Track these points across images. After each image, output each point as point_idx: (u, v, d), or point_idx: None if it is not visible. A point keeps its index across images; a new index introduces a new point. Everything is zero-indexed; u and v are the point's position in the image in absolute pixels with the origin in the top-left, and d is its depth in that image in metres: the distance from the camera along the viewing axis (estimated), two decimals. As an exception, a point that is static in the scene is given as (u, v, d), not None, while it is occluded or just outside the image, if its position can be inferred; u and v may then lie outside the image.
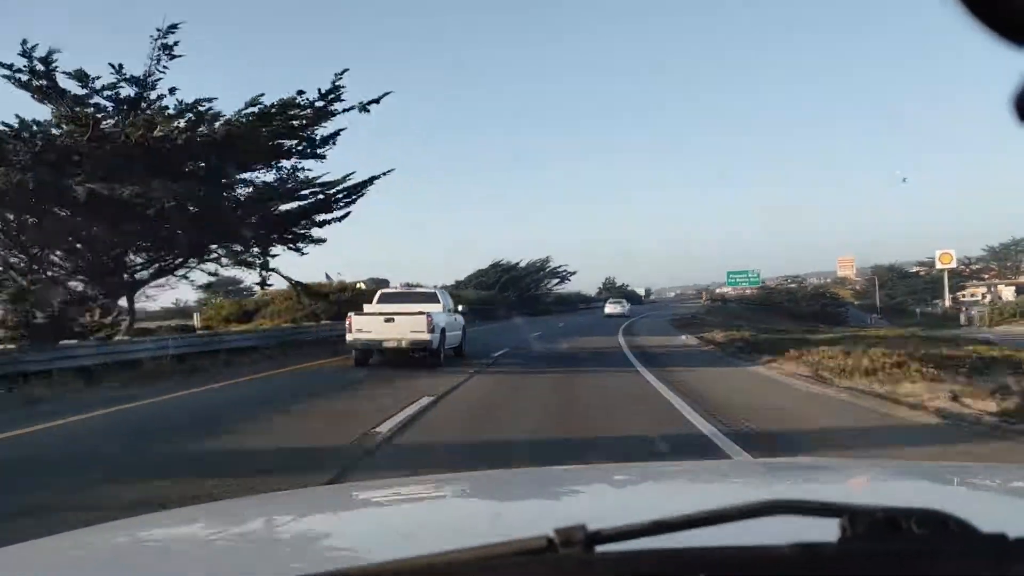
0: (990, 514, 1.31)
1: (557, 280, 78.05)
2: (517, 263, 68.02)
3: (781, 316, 51.98)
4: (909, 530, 0.72)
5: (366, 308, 17.64)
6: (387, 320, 16.31)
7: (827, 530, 0.74)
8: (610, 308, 62.01)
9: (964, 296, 74.97)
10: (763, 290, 76.54)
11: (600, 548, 0.72)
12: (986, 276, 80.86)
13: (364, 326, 16.39)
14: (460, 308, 20.15)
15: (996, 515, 1.35)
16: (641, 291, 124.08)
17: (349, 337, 16.43)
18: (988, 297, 73.11)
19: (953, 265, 63.97)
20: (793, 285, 79.92)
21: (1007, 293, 72.24)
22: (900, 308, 68.76)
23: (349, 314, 16.94)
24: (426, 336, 16.06)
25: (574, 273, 77.26)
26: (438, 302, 18.01)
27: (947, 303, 64.57)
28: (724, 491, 1.78)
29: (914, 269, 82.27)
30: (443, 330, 16.89)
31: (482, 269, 64.11)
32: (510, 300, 54.68)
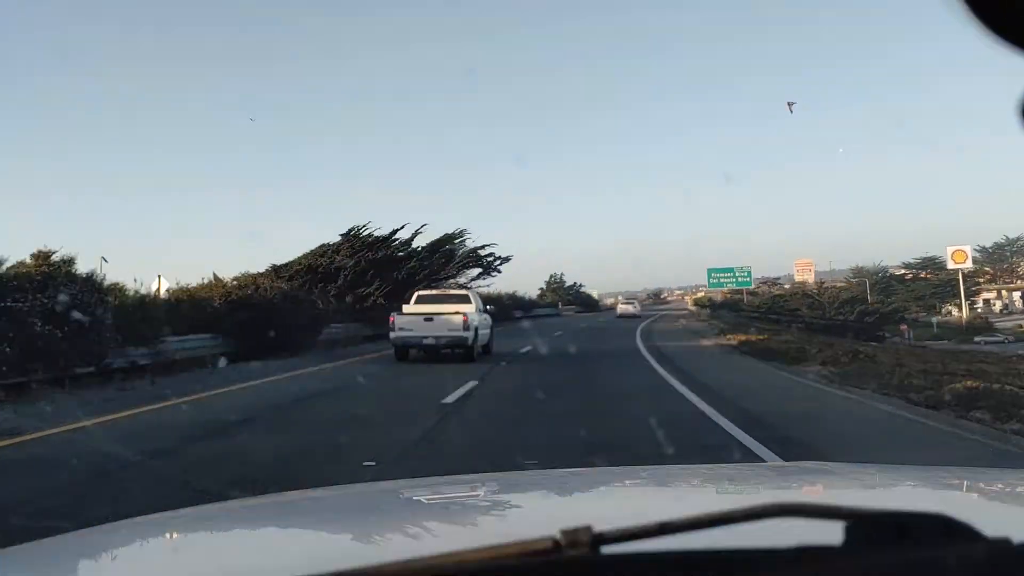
0: (995, 518, 1.30)
1: (479, 271, 39.95)
2: (393, 234, 33.28)
3: (820, 331, 37.24)
4: (913, 534, 0.72)
5: (405, 308, 19.00)
6: (427, 319, 17.80)
7: (832, 533, 0.74)
8: (623, 308, 63.33)
9: (978, 301, 64.73)
10: (759, 293, 61.87)
11: (606, 549, 0.73)
12: (981, 279, 70.29)
13: (406, 325, 17.93)
14: (489, 308, 21.70)
15: (1001, 519, 1.35)
16: (594, 294, 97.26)
17: (392, 335, 18.05)
18: (997, 303, 65.72)
19: (969, 265, 50.32)
20: (813, 288, 58.48)
21: (1014, 298, 65.40)
22: (899, 317, 53.00)
23: (392, 314, 18.59)
24: (463, 334, 17.53)
25: (507, 260, 41.07)
26: (470, 303, 19.19)
27: (964, 311, 52.90)
28: (730, 494, 1.79)
29: (900, 271, 70.48)
30: (476, 328, 18.13)
31: (326, 245, 31.76)
32: (375, 299, 29.33)
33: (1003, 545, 0.72)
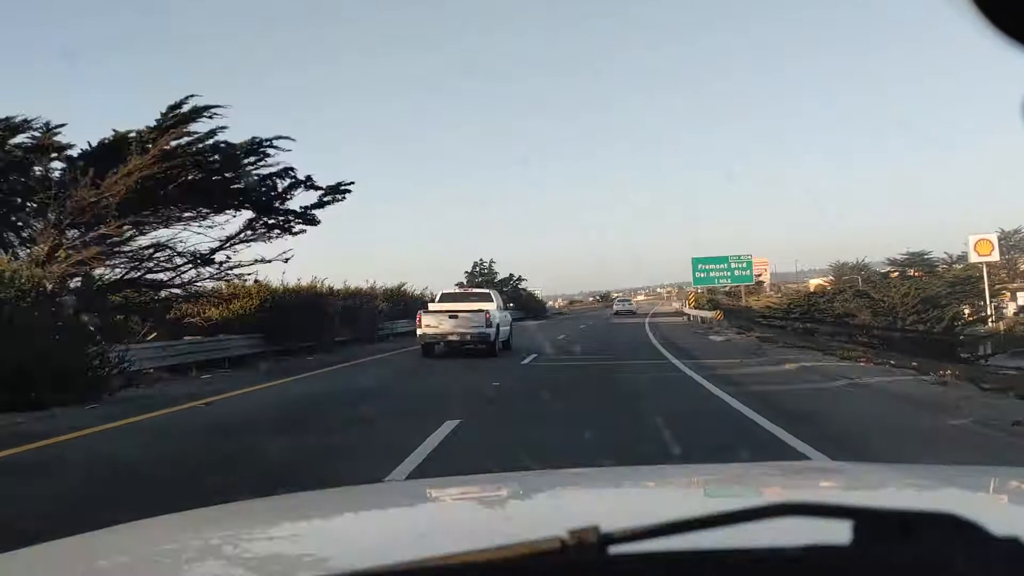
0: (1004, 517, 1.29)
1: (253, 215, 16.56)
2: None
3: (895, 346, 22.93)
4: (921, 533, 0.72)
5: (431, 307, 20.11)
6: (451, 317, 18.67)
7: (840, 532, 0.74)
8: (619, 307, 62.42)
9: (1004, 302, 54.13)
10: (732, 294, 50.02)
11: (613, 549, 0.73)
12: (976, 276, 65.83)
13: (432, 322, 18.77)
14: (510, 304, 23.15)
15: (1010, 518, 1.33)
16: (537, 293, 68.78)
17: (419, 331, 18.88)
18: (1010, 305, 60.90)
19: (995, 258, 35.74)
20: (867, 284, 39.22)
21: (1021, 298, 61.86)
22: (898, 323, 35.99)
23: (419, 312, 19.56)
24: (485, 330, 18.48)
25: (340, 194, 17.23)
26: (492, 301, 20.10)
27: (991, 315, 38.91)
28: (737, 494, 1.79)
29: (885, 269, 57.74)
30: (498, 326, 19.11)
31: None
32: None
33: (1012, 544, 0.71)
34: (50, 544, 1.36)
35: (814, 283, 59.28)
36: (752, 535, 0.76)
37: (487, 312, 18.72)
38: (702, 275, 44.82)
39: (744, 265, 44.32)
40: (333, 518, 1.64)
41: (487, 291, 21.68)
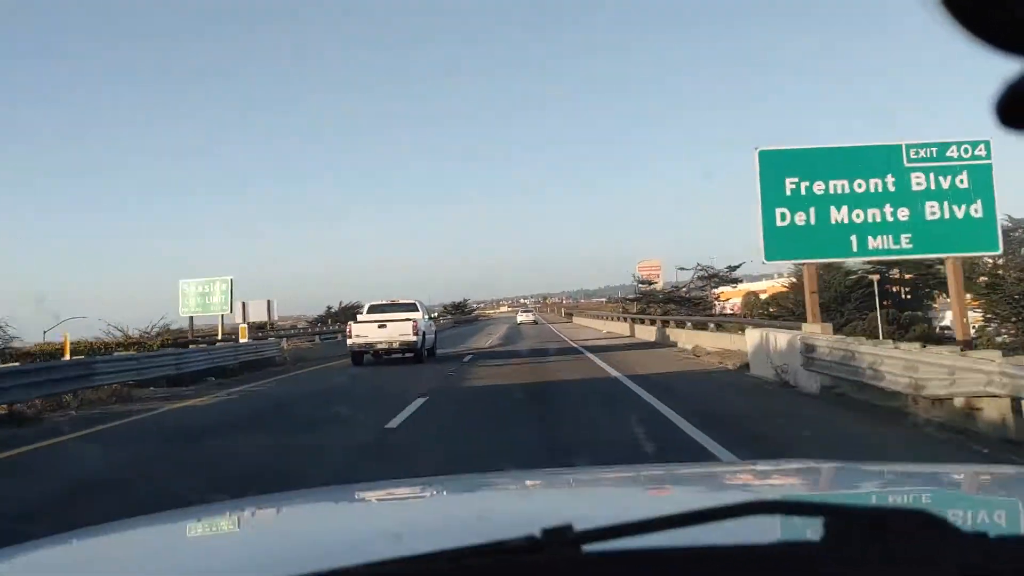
0: (972, 514, 1.32)
1: None
2: None
3: None
4: (893, 530, 0.73)
5: (360, 317, 21.31)
6: (380, 326, 20.00)
7: (813, 530, 0.74)
8: (523, 317, 64.37)
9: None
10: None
11: (587, 547, 0.72)
12: (985, 276, 44.12)
13: (361, 332, 20.14)
14: (435, 315, 24.83)
15: (978, 515, 1.34)
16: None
17: (349, 341, 20.24)
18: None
19: None
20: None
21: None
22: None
23: (349, 322, 21.38)
24: (412, 338, 19.80)
25: None
26: (418, 310, 21.40)
27: None
28: (711, 492, 1.79)
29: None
30: (424, 334, 20.51)
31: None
32: None
33: (980, 540, 0.72)
34: (44, 540, 1.35)
35: (725, 291, 39.67)
36: (727, 533, 0.76)
37: (414, 321, 19.92)
38: (793, 222, 12.06)
39: (960, 190, 12.00)
40: (308, 517, 1.63)
41: (412, 302, 22.33)
